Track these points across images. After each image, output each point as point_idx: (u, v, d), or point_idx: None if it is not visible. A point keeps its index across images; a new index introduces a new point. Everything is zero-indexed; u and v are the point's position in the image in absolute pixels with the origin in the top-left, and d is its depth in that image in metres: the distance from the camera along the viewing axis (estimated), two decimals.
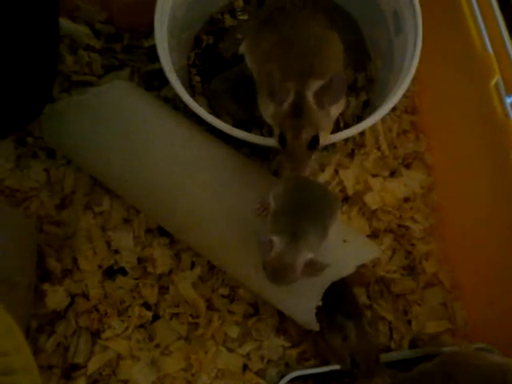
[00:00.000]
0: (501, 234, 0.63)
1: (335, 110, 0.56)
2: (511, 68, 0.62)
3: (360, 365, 0.57)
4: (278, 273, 0.50)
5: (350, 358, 0.58)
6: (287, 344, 0.65)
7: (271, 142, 0.58)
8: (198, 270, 0.67)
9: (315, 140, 0.53)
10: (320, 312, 0.57)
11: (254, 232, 0.57)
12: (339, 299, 0.61)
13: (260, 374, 0.65)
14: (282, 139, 0.54)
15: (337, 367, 0.62)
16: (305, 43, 0.57)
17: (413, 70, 0.63)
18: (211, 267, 0.68)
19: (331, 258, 0.56)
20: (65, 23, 0.76)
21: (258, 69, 0.61)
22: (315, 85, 0.53)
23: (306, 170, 0.54)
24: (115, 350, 0.63)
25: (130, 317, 0.65)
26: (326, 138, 0.55)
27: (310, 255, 0.50)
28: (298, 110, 0.53)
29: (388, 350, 0.66)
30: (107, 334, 0.64)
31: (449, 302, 0.70)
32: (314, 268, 0.50)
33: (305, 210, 0.53)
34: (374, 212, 0.71)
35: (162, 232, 0.69)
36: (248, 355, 0.65)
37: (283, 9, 0.62)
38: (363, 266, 0.68)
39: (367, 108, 0.75)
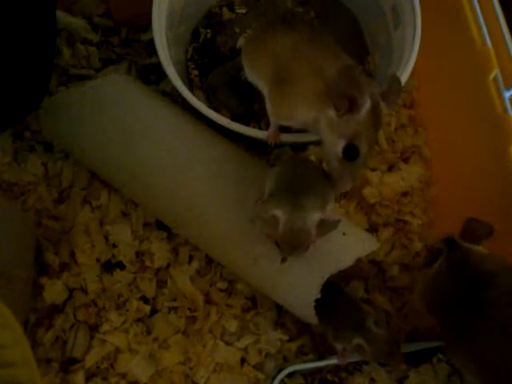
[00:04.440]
0: (499, 228, 0.63)
1: None
2: (510, 62, 0.62)
3: (389, 364, 0.59)
4: (293, 243, 0.50)
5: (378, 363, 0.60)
6: (285, 338, 0.65)
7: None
8: (195, 264, 0.67)
9: None
10: (323, 319, 0.57)
11: (250, 220, 0.57)
12: (339, 307, 0.61)
13: (258, 367, 0.65)
14: (352, 151, 0.48)
15: (334, 361, 0.62)
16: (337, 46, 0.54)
17: (411, 64, 0.63)
18: (209, 261, 0.68)
19: (330, 251, 0.57)
20: (62, 16, 0.76)
21: (279, 69, 0.55)
22: (378, 88, 0.49)
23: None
24: (113, 343, 0.63)
25: (127, 311, 0.65)
26: None
27: (318, 215, 0.50)
28: (378, 119, 0.48)
29: None
30: (105, 327, 0.64)
31: None
32: (326, 227, 0.50)
33: (301, 180, 0.53)
34: (372, 206, 0.71)
35: (160, 226, 0.69)
36: (246, 349, 0.65)
37: (292, 13, 0.59)
38: (361, 259, 0.68)
39: None
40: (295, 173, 0.54)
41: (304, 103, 0.52)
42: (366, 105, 0.47)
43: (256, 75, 0.60)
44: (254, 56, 0.60)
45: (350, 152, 0.48)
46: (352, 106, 0.47)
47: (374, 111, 0.48)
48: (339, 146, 0.49)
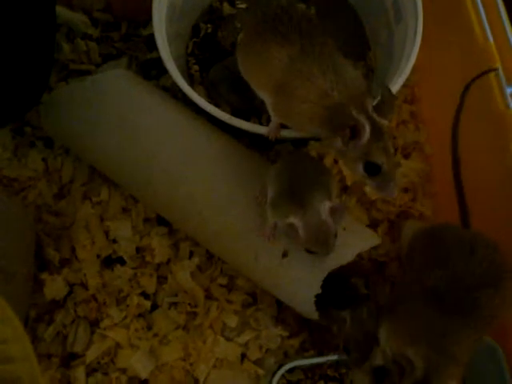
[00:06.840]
0: (500, 225, 0.63)
1: None
2: None
3: (351, 352, 0.57)
4: (320, 240, 0.51)
5: (343, 345, 0.58)
6: (285, 333, 0.65)
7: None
8: (196, 260, 0.67)
9: None
10: (318, 302, 0.57)
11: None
12: (337, 288, 0.61)
13: (258, 363, 0.65)
14: (373, 167, 0.50)
15: (335, 358, 0.62)
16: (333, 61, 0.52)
17: (413, 59, 0.63)
18: (210, 257, 0.68)
19: None
20: (62, 11, 0.76)
21: (278, 82, 0.54)
22: (370, 101, 0.51)
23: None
24: (114, 339, 0.64)
25: (128, 306, 0.65)
26: None
27: (327, 203, 0.52)
28: (379, 133, 0.49)
29: None
30: (106, 323, 0.64)
31: None
32: (338, 212, 0.52)
33: (302, 177, 0.54)
34: (373, 202, 0.71)
35: (161, 221, 0.69)
36: (246, 344, 0.65)
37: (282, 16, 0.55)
38: (362, 255, 0.68)
39: None
40: (295, 172, 0.55)
41: (309, 119, 0.52)
42: (367, 129, 0.48)
43: (254, 85, 0.59)
44: (248, 67, 0.59)
45: (372, 168, 0.50)
46: (354, 133, 0.48)
47: (375, 127, 0.49)
48: (359, 168, 0.50)
